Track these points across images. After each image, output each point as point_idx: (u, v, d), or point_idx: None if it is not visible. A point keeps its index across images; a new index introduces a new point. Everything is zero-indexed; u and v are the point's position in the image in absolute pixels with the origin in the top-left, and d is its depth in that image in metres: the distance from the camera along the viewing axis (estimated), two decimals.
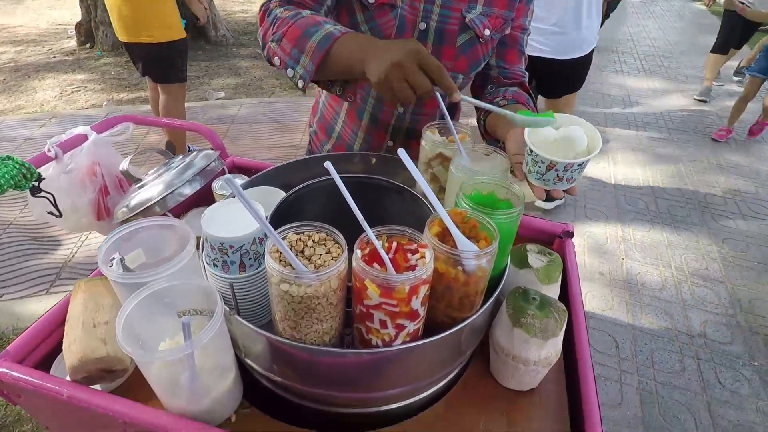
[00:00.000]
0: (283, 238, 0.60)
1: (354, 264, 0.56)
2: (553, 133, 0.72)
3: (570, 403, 0.78)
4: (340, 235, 0.59)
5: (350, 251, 0.58)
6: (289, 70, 0.80)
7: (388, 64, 0.66)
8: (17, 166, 1.00)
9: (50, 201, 1.11)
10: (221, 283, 0.63)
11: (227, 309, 0.63)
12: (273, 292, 0.56)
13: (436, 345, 0.61)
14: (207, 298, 0.66)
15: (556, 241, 1.08)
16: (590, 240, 2.62)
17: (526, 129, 0.71)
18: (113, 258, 0.69)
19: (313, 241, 0.60)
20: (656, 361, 1.93)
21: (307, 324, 0.57)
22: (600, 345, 1.99)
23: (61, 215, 1.14)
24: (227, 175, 0.54)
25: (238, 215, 0.65)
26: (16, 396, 0.74)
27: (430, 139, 0.84)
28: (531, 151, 0.68)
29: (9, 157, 1.00)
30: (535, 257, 0.83)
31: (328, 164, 0.56)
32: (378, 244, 0.55)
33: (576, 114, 3.50)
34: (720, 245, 2.62)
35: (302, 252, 0.59)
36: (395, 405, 0.72)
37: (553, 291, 0.83)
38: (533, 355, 0.71)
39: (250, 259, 0.62)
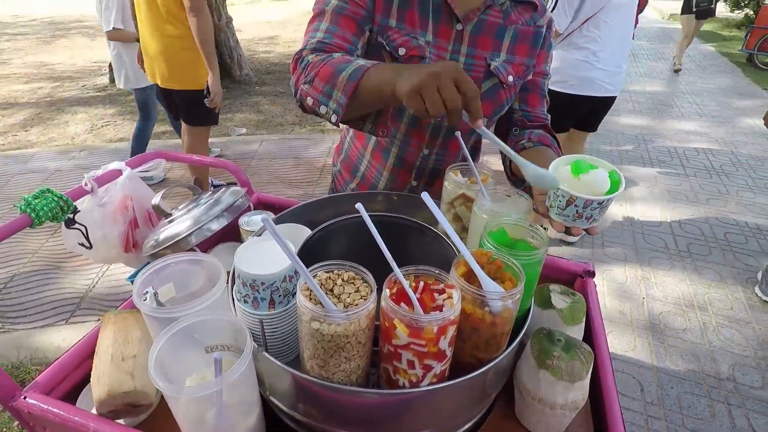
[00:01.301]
0: (314, 277, 0.61)
1: (383, 303, 0.57)
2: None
3: None
4: (369, 275, 0.60)
5: (377, 290, 0.59)
6: (322, 107, 0.81)
7: (424, 73, 0.65)
8: (56, 199, 1.04)
9: (82, 233, 1.15)
10: (251, 319, 0.65)
11: (255, 346, 0.64)
12: (303, 329, 0.57)
13: (463, 386, 0.61)
14: (235, 333, 0.67)
15: (578, 281, 1.07)
16: (609, 279, 2.58)
17: (552, 164, 0.74)
18: (147, 291, 0.71)
19: (343, 279, 0.61)
20: (684, 406, 1.85)
21: (335, 363, 0.58)
22: (624, 388, 1.92)
23: (91, 247, 1.18)
24: (265, 216, 0.56)
25: (269, 253, 0.67)
26: (41, 429, 0.75)
27: (453, 180, 0.86)
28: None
29: (49, 190, 1.05)
30: (559, 298, 0.83)
31: (359, 205, 0.58)
32: (406, 283, 0.57)
33: (593, 152, 3.58)
34: (744, 285, 2.55)
35: (331, 290, 0.60)
36: None
37: (577, 332, 0.83)
38: (560, 399, 0.70)
39: (279, 296, 0.64)
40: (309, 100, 0.83)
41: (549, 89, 2.48)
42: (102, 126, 4.64)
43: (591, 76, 2.38)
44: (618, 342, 2.15)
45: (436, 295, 0.60)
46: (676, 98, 5.73)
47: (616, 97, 2.54)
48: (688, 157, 4.13)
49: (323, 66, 0.81)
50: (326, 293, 0.59)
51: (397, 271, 0.57)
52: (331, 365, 0.58)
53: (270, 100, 5.34)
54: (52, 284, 2.46)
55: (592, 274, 1.07)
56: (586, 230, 0.73)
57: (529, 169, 0.74)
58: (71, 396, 0.80)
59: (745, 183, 3.69)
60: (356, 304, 0.56)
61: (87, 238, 1.16)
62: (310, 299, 0.58)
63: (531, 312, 0.73)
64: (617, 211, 3.26)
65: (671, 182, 3.68)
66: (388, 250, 0.92)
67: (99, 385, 0.72)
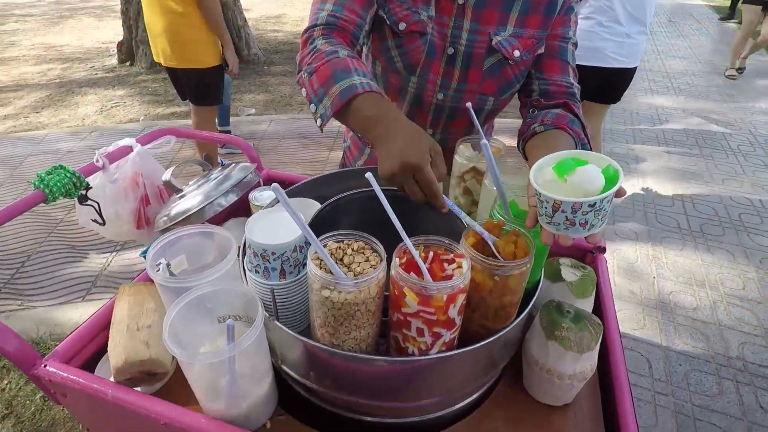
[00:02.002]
0: (324, 246, 0.61)
1: (393, 272, 0.57)
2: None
3: (605, 419, 0.76)
4: (379, 244, 0.60)
5: (386, 261, 0.60)
6: (312, 105, 0.82)
7: (388, 170, 0.68)
8: (68, 175, 1.06)
9: (95, 209, 1.17)
10: (262, 289, 0.66)
11: (267, 315, 0.65)
12: (314, 298, 0.58)
13: (472, 355, 0.62)
14: (247, 303, 0.68)
15: (588, 257, 1.07)
16: (620, 258, 2.57)
17: (535, 165, 0.64)
18: (159, 263, 0.72)
19: (353, 249, 0.61)
20: (692, 383, 1.85)
21: (345, 330, 0.58)
22: (632, 365, 1.93)
23: (104, 223, 1.20)
24: (276, 185, 0.56)
25: (280, 224, 0.67)
26: (62, 395, 0.78)
27: (463, 154, 0.86)
28: (535, 190, 0.60)
29: (61, 167, 1.06)
30: (569, 271, 0.83)
31: (369, 175, 0.58)
32: (416, 252, 0.57)
33: (605, 131, 3.52)
34: (757, 265, 2.52)
35: (341, 260, 0.60)
36: (427, 416, 0.72)
37: (586, 305, 0.83)
38: (568, 369, 0.70)
39: (290, 266, 0.64)
40: (304, 92, 0.84)
41: None
42: (111, 107, 4.65)
43: (597, 46, 2.29)
44: (627, 320, 2.15)
45: (445, 264, 0.60)
46: (695, 77, 5.59)
47: (635, 68, 2.43)
48: (704, 137, 4.05)
49: (326, 63, 0.80)
50: (336, 262, 0.60)
51: (407, 240, 0.58)
52: (341, 333, 0.59)
53: (279, 80, 5.30)
54: (67, 263, 2.51)
55: (603, 250, 1.06)
56: (587, 239, 0.62)
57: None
58: (89, 365, 0.82)
59: (763, 163, 3.62)
60: (366, 273, 0.57)
61: (100, 214, 1.18)
62: (321, 268, 0.58)
63: (540, 284, 0.73)
64: (628, 190, 3.21)
65: (686, 162, 3.62)
66: (404, 224, 0.92)
67: (116, 354, 0.74)
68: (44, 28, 7.71)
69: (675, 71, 5.82)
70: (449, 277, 0.58)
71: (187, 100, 2.88)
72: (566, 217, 0.58)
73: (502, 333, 0.61)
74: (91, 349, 0.83)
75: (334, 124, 3.96)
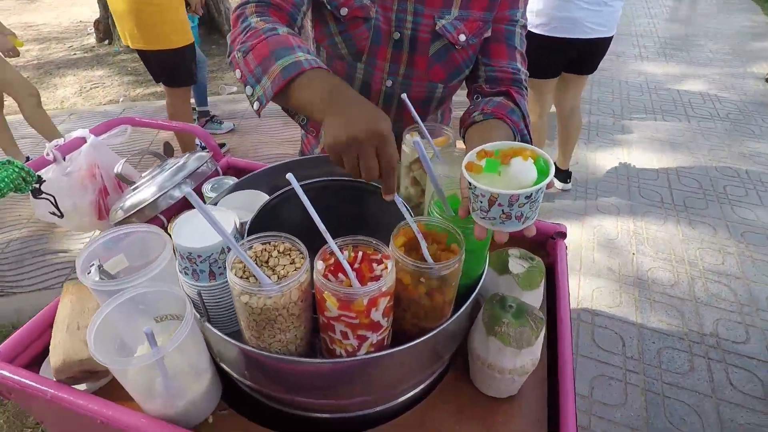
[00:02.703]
0: (249, 248, 0.60)
1: (314, 276, 0.56)
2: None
3: (550, 410, 0.77)
4: (303, 246, 0.59)
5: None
6: (248, 87, 0.74)
7: (347, 135, 0.60)
8: (17, 170, 1.03)
9: (51, 202, 1.15)
10: (191, 290, 0.65)
11: (197, 315, 0.64)
12: (235, 302, 0.57)
13: (404, 354, 0.61)
14: (181, 304, 0.67)
15: (549, 242, 1.06)
16: (600, 234, 2.57)
17: (466, 157, 0.61)
18: (92, 264, 0.71)
19: (278, 251, 0.60)
20: (664, 361, 1.88)
21: (270, 334, 0.58)
22: (606, 343, 1.95)
23: (62, 216, 1.18)
24: (187, 189, 0.54)
25: (208, 225, 0.65)
26: (7, 393, 0.78)
27: (410, 143, 0.83)
28: (470, 184, 0.58)
29: (9, 161, 1.03)
30: (517, 262, 0.82)
31: (290, 176, 0.56)
32: (339, 253, 0.55)
33: (592, 102, 3.42)
34: (738, 239, 2.53)
35: (267, 262, 0.59)
36: (370, 410, 0.72)
37: (534, 297, 0.82)
38: (508, 364, 0.70)
39: (219, 267, 0.63)
40: (238, 73, 0.77)
41: (533, 33, 2.32)
42: (91, 88, 4.55)
43: (574, 16, 2.22)
44: (603, 298, 2.17)
45: (374, 265, 0.59)
46: (688, 42, 5.48)
47: (611, 37, 2.38)
48: (693, 105, 3.99)
49: (263, 41, 0.73)
50: (261, 265, 0.59)
51: (331, 242, 0.56)
52: (265, 336, 0.58)
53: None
54: (47, 248, 2.50)
55: (563, 236, 1.05)
56: (521, 232, 0.60)
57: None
58: (37, 363, 0.82)
59: (752, 132, 3.58)
60: (288, 277, 0.56)
61: (56, 206, 1.16)
62: (244, 272, 0.57)
63: (483, 277, 0.72)
64: (612, 163, 3.20)
65: (673, 132, 3.58)
66: (347, 213, 0.91)
67: (55, 354, 0.73)
68: (20, 6, 7.48)
69: (667, 36, 5.70)
70: (377, 278, 0.57)
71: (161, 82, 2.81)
72: (503, 210, 0.57)
73: (431, 334, 0.60)
74: (36, 348, 0.83)
75: None
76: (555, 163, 2.95)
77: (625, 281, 2.26)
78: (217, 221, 0.54)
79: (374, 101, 0.97)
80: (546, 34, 2.29)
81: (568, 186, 2.94)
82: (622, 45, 5.28)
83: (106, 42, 5.55)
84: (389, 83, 0.94)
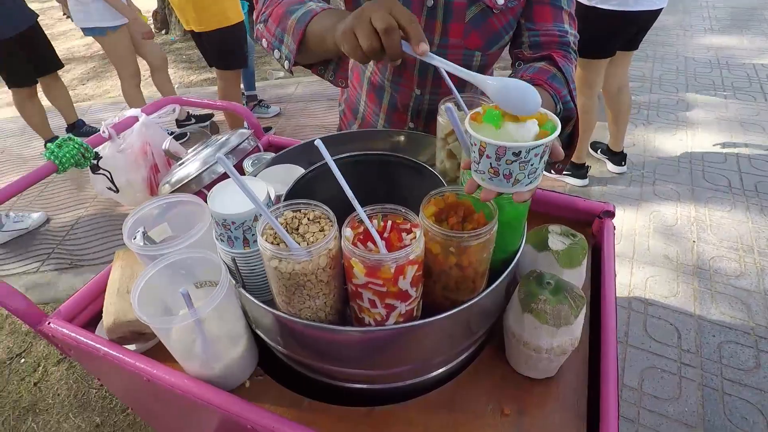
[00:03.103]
0: (280, 215, 0.61)
1: (342, 243, 0.56)
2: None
3: (591, 396, 0.73)
4: (332, 214, 0.59)
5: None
6: (275, 51, 0.77)
7: (355, 13, 0.59)
8: (77, 146, 1.10)
9: (108, 178, 1.22)
10: (227, 257, 0.66)
11: (233, 281, 0.66)
12: (266, 267, 0.58)
13: (433, 326, 0.60)
14: (219, 270, 0.69)
15: (595, 222, 1.01)
16: (657, 220, 2.41)
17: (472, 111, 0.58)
18: (138, 231, 0.75)
19: (308, 219, 0.60)
20: (725, 356, 1.75)
21: (299, 300, 0.58)
22: (659, 334, 1.84)
23: (118, 191, 1.25)
24: (220, 155, 0.55)
25: (244, 193, 0.67)
26: (68, 349, 0.84)
27: (445, 114, 0.81)
28: (466, 131, 0.55)
29: (70, 138, 1.11)
30: (557, 239, 0.78)
31: (318, 142, 0.56)
32: (367, 221, 0.55)
33: (653, 81, 3.16)
34: None
35: (297, 229, 0.60)
36: (401, 383, 0.72)
37: (575, 276, 0.78)
38: (544, 343, 0.67)
39: (253, 235, 0.64)
40: (264, 42, 0.80)
41: (596, 8, 2.17)
42: (149, 76, 4.77)
43: None
44: (658, 287, 2.04)
45: (403, 234, 0.58)
46: (766, 11, 4.97)
47: (661, 9, 2.20)
48: None
49: (278, 5, 0.76)
50: (291, 232, 0.59)
51: (360, 211, 0.56)
52: (295, 302, 0.59)
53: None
54: (110, 225, 2.68)
55: (612, 215, 0.99)
56: (514, 199, 0.55)
57: (487, 85, 0.56)
58: (92, 324, 0.88)
59: None
60: (315, 243, 0.56)
61: (112, 182, 1.23)
62: (274, 239, 0.58)
63: (519, 253, 0.70)
64: (674, 145, 2.98)
65: (746, 112, 3.28)
66: (382, 189, 0.90)
67: (107, 315, 0.78)
68: None
69: (741, 6, 5.19)
70: (406, 247, 0.56)
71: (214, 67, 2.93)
72: (491, 164, 0.53)
73: (461, 307, 0.59)
74: (93, 310, 0.89)
75: None
76: (608, 146, 2.81)
77: (683, 270, 2.11)
78: (247, 186, 0.55)
79: (410, 73, 0.95)
80: (606, 7, 2.13)
81: (623, 169, 2.78)
82: (689, 18, 4.87)
83: (163, 32, 5.81)
84: (417, 92, 0.92)
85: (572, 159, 2.70)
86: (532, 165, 0.52)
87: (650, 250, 2.23)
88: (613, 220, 1.00)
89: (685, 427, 1.55)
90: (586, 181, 2.75)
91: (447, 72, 0.69)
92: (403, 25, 0.57)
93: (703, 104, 3.41)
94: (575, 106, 0.80)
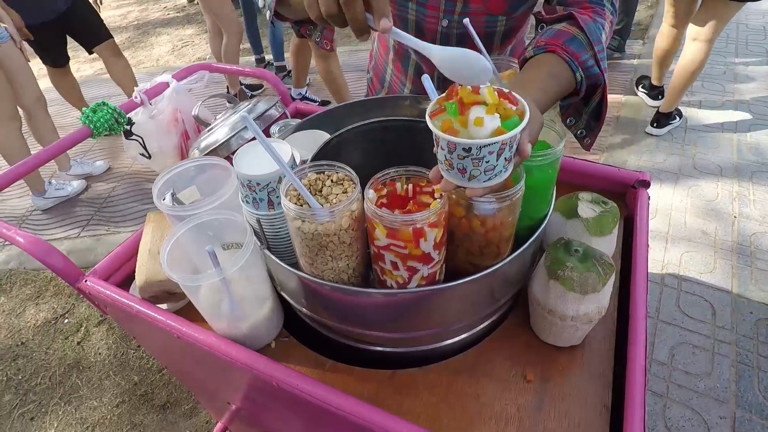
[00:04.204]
0: (304, 176, 0.61)
1: (365, 204, 0.55)
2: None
3: (616, 366, 0.72)
4: (356, 176, 0.59)
5: None
6: (260, 1, 0.78)
7: None
8: (110, 111, 1.13)
9: (140, 143, 1.25)
10: (252, 218, 0.67)
11: (257, 242, 0.67)
12: (290, 228, 0.59)
13: (456, 291, 0.60)
14: (245, 232, 0.71)
15: (629, 192, 0.97)
16: (696, 195, 2.31)
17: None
18: (168, 192, 0.76)
19: (332, 180, 0.60)
20: (761, 333, 1.69)
21: (322, 261, 0.59)
22: (693, 311, 1.79)
23: (150, 157, 1.28)
24: (244, 114, 0.55)
25: (268, 155, 0.67)
26: (104, 307, 0.88)
27: None
28: (426, 118, 0.51)
29: (104, 103, 1.13)
30: (587, 206, 0.75)
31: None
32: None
33: (740, 42, 2.96)
34: None
35: (320, 191, 0.60)
36: (423, 347, 0.73)
37: (605, 244, 0.76)
38: (570, 311, 0.66)
39: (277, 197, 0.65)
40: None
41: None
42: (182, 47, 4.83)
43: None
44: (693, 264, 1.97)
45: (428, 197, 0.57)
46: None
47: None
48: None
49: None
50: (315, 193, 0.59)
51: (386, 173, 0.55)
52: (318, 263, 0.59)
53: None
54: (146, 194, 2.77)
55: (646, 185, 0.95)
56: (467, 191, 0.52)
57: (432, 54, 0.52)
58: (126, 284, 0.92)
59: None
60: (337, 204, 0.56)
61: (145, 148, 1.26)
62: (298, 200, 0.58)
63: (546, 220, 0.68)
64: (718, 116, 2.81)
65: None
66: (411, 154, 0.89)
67: (139, 275, 0.81)
68: None
69: None
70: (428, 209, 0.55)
71: None
72: (445, 156, 0.50)
73: (484, 273, 0.58)
74: (127, 269, 0.92)
75: None
76: (663, 98, 2.68)
77: (721, 246, 2.03)
78: (270, 144, 0.55)
79: (433, 42, 0.91)
80: None
81: (658, 103, 2.67)
82: None
83: (195, 1, 5.82)
84: (445, 23, 0.88)
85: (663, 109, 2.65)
86: (487, 162, 0.48)
87: (687, 225, 2.14)
88: (648, 190, 0.96)
89: (715, 402, 1.52)
90: (677, 122, 2.74)
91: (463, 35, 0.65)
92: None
93: (753, 74, 3.18)
94: (602, 70, 0.72)
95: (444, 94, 0.52)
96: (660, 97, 2.78)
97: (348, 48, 4.23)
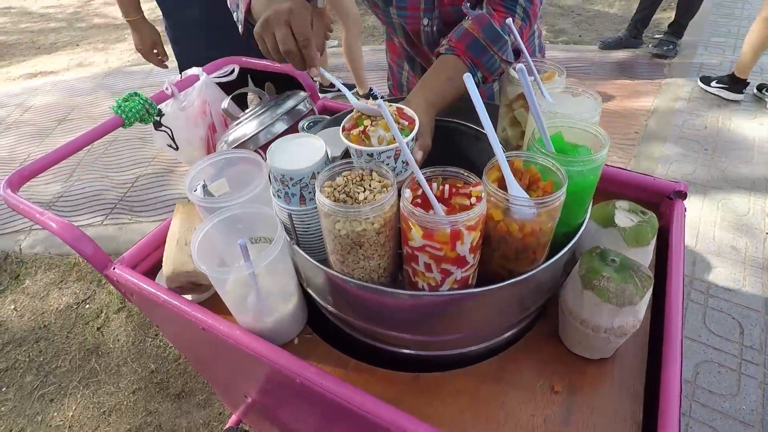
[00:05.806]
0: (340, 173, 0.60)
1: (401, 204, 0.54)
2: None
3: (648, 382, 0.70)
4: (392, 174, 0.58)
5: None
6: (234, 14, 0.81)
7: (262, 19, 0.67)
8: (142, 102, 1.14)
9: (169, 135, 1.26)
10: (283, 213, 0.67)
11: (287, 238, 0.66)
12: (323, 224, 0.58)
13: (488, 296, 0.58)
14: (274, 226, 0.70)
15: (665, 203, 0.94)
16: (726, 209, 2.24)
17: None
18: (198, 183, 0.76)
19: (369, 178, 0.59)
20: None
21: (353, 259, 0.58)
22: (720, 328, 1.73)
23: (177, 148, 1.29)
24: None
25: (302, 150, 0.66)
26: (130, 295, 0.89)
27: (513, 79, 0.76)
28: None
29: (135, 93, 1.14)
30: (624, 215, 0.73)
31: (380, 102, 0.54)
32: (424, 183, 0.53)
33: (738, 47, 2.90)
34: None
35: (361, 185, 0.59)
36: (447, 352, 0.71)
37: (642, 255, 0.73)
38: (605, 322, 0.64)
39: (310, 192, 0.64)
40: (228, 2, 0.83)
41: None
42: None
43: None
44: (722, 279, 1.91)
45: (464, 199, 0.56)
46: None
47: None
48: None
49: None
50: (350, 191, 0.58)
51: (419, 174, 0.54)
52: (350, 261, 0.58)
53: (363, 10, 5.13)
54: (167, 184, 2.81)
55: (683, 196, 0.92)
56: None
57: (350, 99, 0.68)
58: (153, 273, 0.92)
59: None
60: (370, 203, 0.55)
61: (173, 139, 1.27)
62: (335, 196, 0.57)
63: (583, 227, 0.66)
64: (751, 126, 2.72)
65: None
66: (444, 155, 0.88)
67: (167, 265, 0.82)
68: None
69: None
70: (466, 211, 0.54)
71: None
72: (356, 161, 0.62)
73: (519, 278, 0.56)
74: (154, 259, 0.93)
75: None
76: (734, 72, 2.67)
77: (752, 263, 1.96)
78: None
79: (418, 46, 0.93)
80: None
81: (740, 97, 2.70)
82: None
83: None
84: (426, 21, 0.89)
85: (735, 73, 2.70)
86: (388, 165, 0.61)
87: (716, 239, 2.08)
88: (684, 201, 0.93)
89: (741, 424, 1.46)
90: (741, 96, 2.73)
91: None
92: (299, 46, 0.67)
93: None
94: (507, 60, 0.77)
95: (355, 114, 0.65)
96: (743, 91, 2.72)
97: (371, 47, 4.23)
